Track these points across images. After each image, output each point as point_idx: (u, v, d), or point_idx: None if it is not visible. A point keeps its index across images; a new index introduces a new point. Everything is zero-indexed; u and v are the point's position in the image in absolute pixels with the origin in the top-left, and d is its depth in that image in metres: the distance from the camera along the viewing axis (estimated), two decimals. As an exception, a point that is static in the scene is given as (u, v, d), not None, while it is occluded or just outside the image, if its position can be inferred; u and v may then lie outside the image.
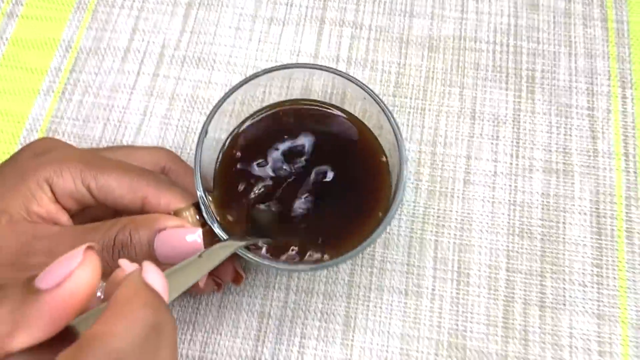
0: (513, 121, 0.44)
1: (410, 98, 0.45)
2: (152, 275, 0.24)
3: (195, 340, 0.38)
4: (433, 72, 0.46)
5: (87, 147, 0.43)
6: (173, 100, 0.45)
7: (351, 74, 0.45)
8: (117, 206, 0.33)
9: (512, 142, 0.44)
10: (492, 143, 0.44)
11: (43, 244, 0.31)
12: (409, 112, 0.45)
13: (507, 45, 0.47)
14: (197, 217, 0.33)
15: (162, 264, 0.31)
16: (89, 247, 0.23)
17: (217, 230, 0.32)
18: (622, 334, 0.38)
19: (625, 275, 0.40)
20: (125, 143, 0.43)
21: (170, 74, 0.45)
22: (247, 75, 0.37)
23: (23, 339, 0.22)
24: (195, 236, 0.32)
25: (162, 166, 0.37)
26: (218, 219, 0.33)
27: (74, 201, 0.33)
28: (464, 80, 0.46)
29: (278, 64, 0.46)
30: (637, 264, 0.40)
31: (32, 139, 0.43)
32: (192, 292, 0.38)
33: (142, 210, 0.33)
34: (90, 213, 0.35)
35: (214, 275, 0.37)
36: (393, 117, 0.34)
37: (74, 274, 0.22)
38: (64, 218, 0.33)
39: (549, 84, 0.46)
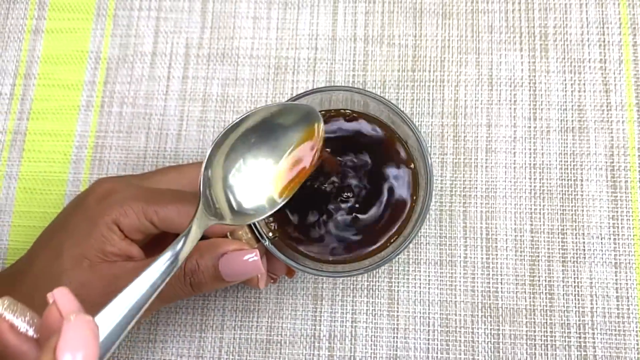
0: (529, 83, 0.46)
1: (429, 71, 0.47)
2: (72, 339, 0.24)
3: (261, 325, 0.43)
4: (449, 40, 0.47)
5: (134, 159, 0.46)
6: (205, 102, 0.47)
7: (369, 53, 0.47)
8: (179, 232, 0.38)
9: (530, 104, 0.46)
10: (510, 108, 0.46)
11: (123, 281, 0.35)
12: (429, 85, 0.47)
13: (519, 3, 0.48)
14: (249, 234, 0.37)
15: (229, 281, 0.36)
16: None
17: (268, 245, 0.37)
18: (638, 279, 0.43)
19: (639, 224, 0.44)
20: (168, 150, 0.46)
21: (199, 75, 0.48)
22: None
23: None
24: (253, 256, 0.36)
25: (208, 181, 0.41)
26: (270, 235, 0.38)
27: (140, 234, 0.37)
28: (480, 46, 0.47)
29: (298, 50, 0.48)
30: (650, 212, 0.44)
31: (83, 156, 0.46)
32: (252, 286, 0.43)
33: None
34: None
35: (270, 271, 0.41)
36: (419, 132, 0.37)
37: None
38: (135, 250, 0.37)
39: (561, 39, 0.47)
